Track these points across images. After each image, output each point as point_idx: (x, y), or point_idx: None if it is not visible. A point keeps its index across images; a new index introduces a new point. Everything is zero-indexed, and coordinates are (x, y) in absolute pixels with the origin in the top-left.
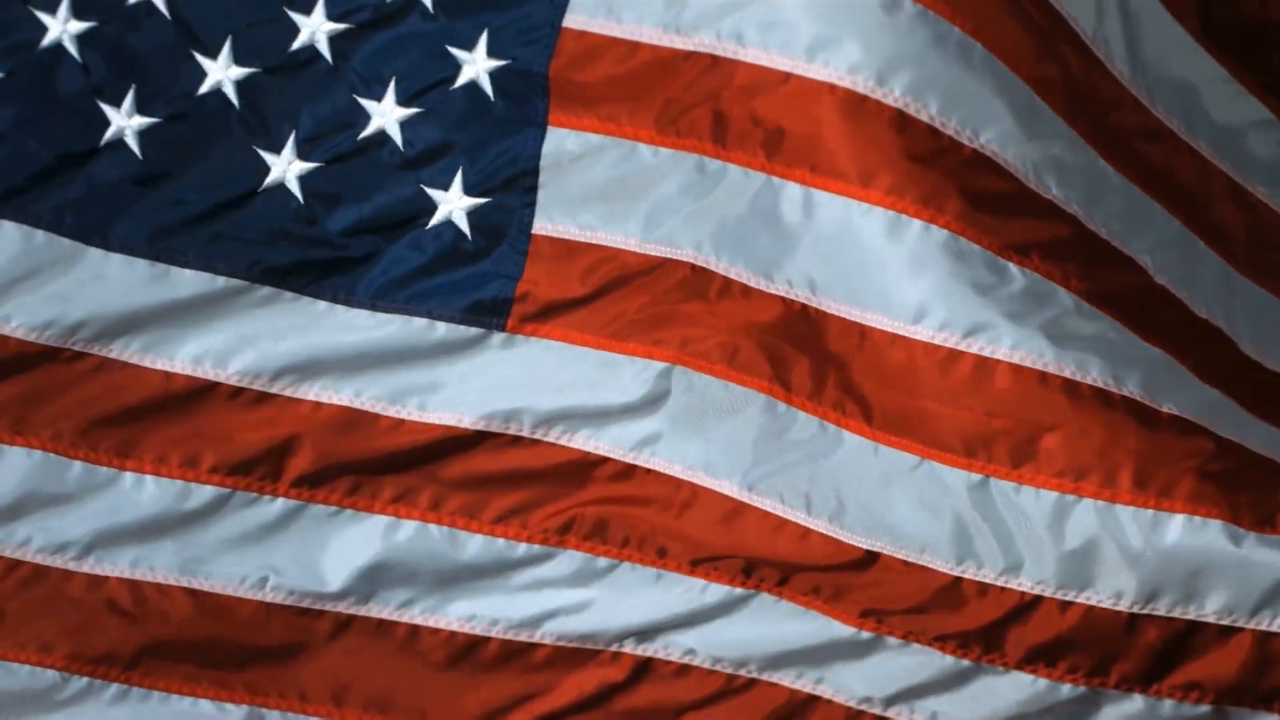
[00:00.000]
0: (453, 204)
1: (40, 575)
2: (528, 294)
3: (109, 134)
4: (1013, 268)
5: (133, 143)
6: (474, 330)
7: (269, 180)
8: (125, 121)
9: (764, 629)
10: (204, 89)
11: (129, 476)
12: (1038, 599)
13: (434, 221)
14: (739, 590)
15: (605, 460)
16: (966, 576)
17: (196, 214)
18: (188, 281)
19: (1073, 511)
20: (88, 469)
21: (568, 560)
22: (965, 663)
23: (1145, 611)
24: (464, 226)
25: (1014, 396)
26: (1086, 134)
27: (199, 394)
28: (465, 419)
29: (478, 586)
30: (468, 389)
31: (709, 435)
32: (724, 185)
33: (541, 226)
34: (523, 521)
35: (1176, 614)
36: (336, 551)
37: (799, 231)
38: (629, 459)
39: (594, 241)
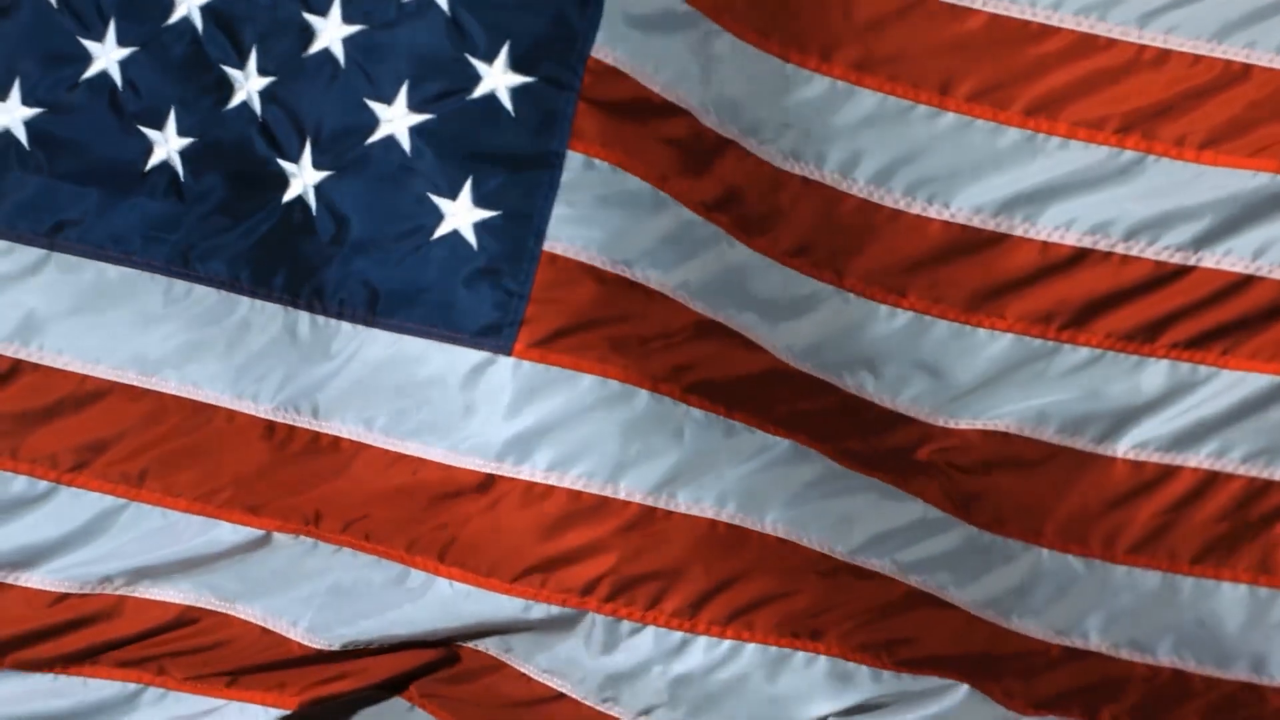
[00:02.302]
0: (460, 216)
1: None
2: (535, 316)
3: (154, 159)
4: None
5: (177, 165)
6: (481, 354)
7: (289, 194)
8: (168, 145)
9: (801, 689)
10: (234, 102)
11: (178, 517)
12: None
13: (440, 233)
14: (781, 649)
15: (626, 504)
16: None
17: (232, 232)
18: (219, 302)
19: None
20: (139, 509)
21: (589, 624)
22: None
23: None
24: (471, 239)
25: None
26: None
27: (243, 430)
28: (477, 461)
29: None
30: (477, 425)
31: (725, 477)
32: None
33: (555, 246)
34: (543, 580)
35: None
36: (364, 601)
37: None
38: (649, 502)
39: (607, 268)
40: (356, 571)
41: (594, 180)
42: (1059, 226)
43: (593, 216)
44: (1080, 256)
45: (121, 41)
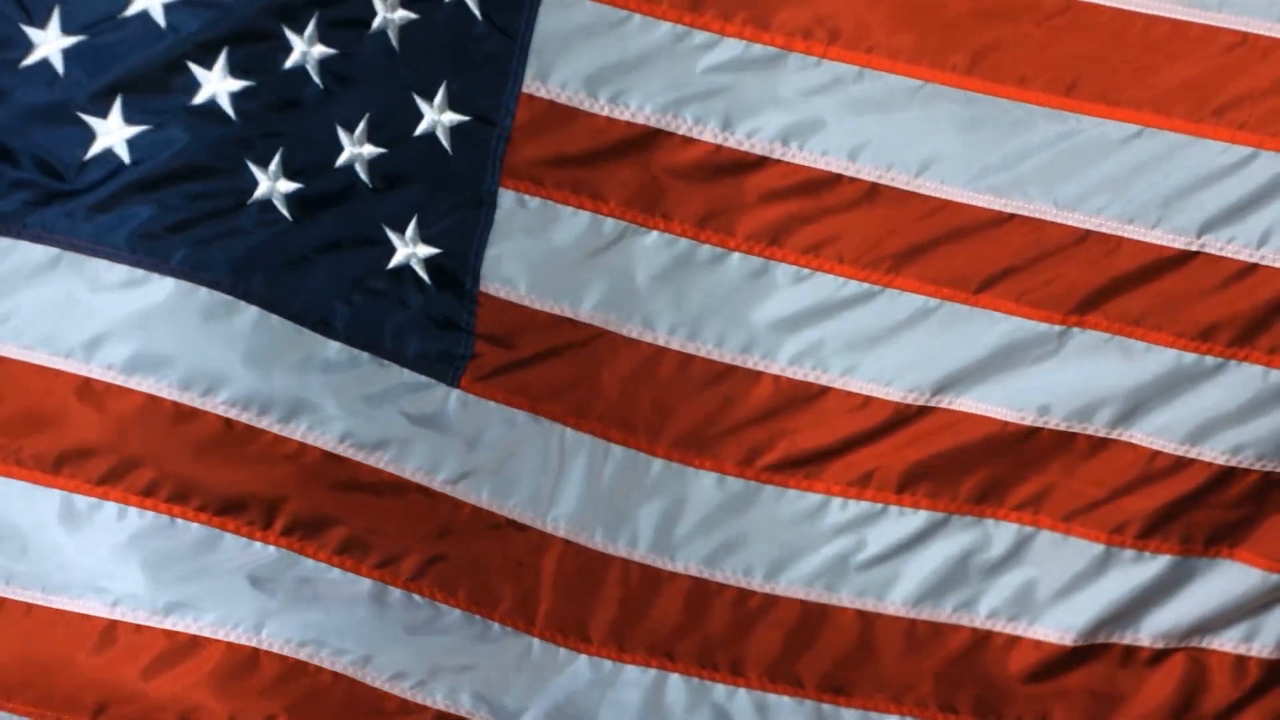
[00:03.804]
0: (410, 250)
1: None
2: (480, 353)
3: (96, 147)
4: None
5: (122, 152)
6: (432, 382)
7: (257, 195)
8: (115, 132)
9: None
10: (198, 100)
11: (111, 507)
12: (988, 634)
13: (393, 263)
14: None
15: (554, 539)
16: (922, 619)
17: (184, 220)
18: (168, 290)
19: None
20: (66, 499)
21: (534, 647)
22: None
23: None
24: (422, 273)
25: None
26: None
27: (186, 419)
28: (435, 480)
29: (460, 667)
30: (432, 446)
31: (637, 514)
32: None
33: (489, 286)
34: (493, 601)
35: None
36: (327, 611)
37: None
38: (570, 537)
39: (543, 309)
40: None
41: (526, 217)
42: (1064, 207)
43: (524, 255)
44: (1084, 238)
45: (66, 29)
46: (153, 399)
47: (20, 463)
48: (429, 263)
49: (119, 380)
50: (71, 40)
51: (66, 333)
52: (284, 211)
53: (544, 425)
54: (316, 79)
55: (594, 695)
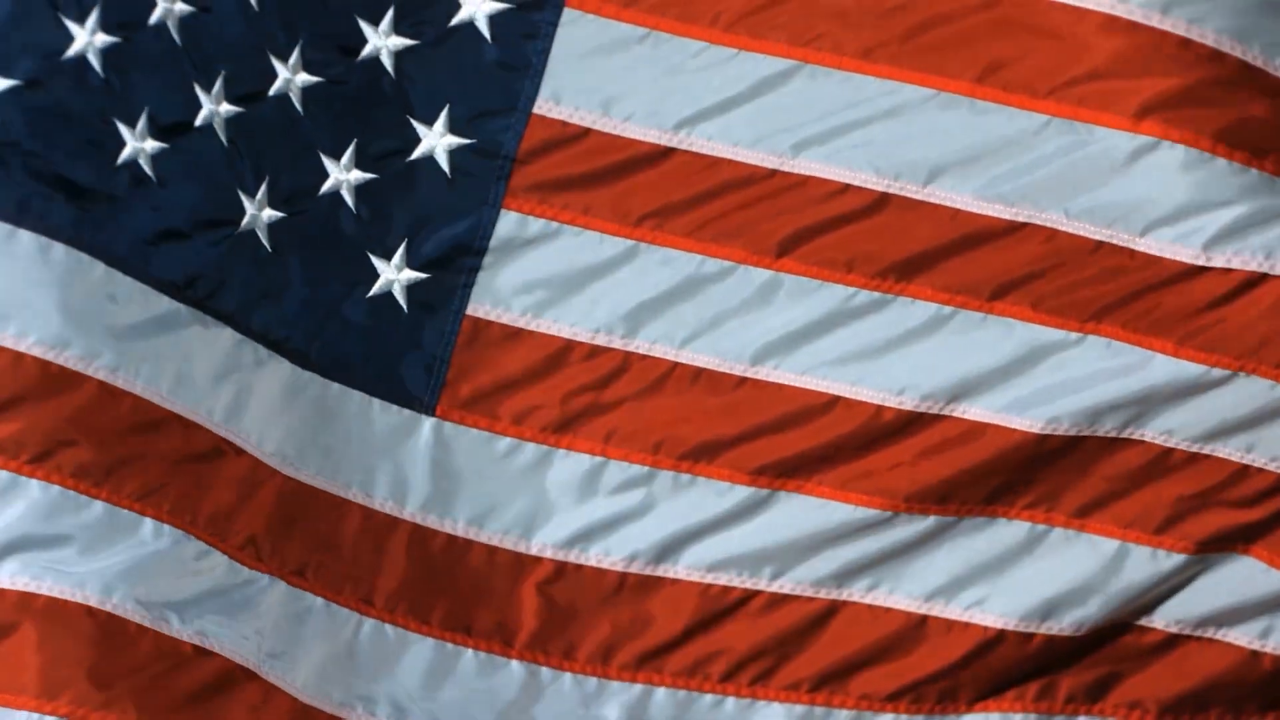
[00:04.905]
0: (394, 276)
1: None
2: (458, 378)
3: (125, 154)
4: None
5: (146, 165)
6: (405, 411)
7: (244, 223)
8: (137, 144)
9: None
10: (199, 121)
11: (149, 524)
12: (1001, 634)
13: (373, 291)
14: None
15: (538, 560)
16: (933, 615)
17: (186, 239)
18: (189, 318)
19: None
20: (109, 510)
21: (514, 671)
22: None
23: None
24: (402, 300)
25: None
26: None
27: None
28: (405, 511)
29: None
30: (401, 476)
31: (644, 528)
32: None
33: (478, 309)
34: (467, 628)
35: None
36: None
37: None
38: (560, 557)
39: (534, 329)
40: None
41: (525, 239)
42: (1074, 218)
43: (521, 277)
44: (1098, 247)
45: (104, 27)
46: (184, 421)
47: None
48: (412, 289)
49: (153, 398)
50: (108, 40)
51: (97, 338)
52: (265, 242)
53: (529, 449)
54: (299, 106)
55: (578, 713)
